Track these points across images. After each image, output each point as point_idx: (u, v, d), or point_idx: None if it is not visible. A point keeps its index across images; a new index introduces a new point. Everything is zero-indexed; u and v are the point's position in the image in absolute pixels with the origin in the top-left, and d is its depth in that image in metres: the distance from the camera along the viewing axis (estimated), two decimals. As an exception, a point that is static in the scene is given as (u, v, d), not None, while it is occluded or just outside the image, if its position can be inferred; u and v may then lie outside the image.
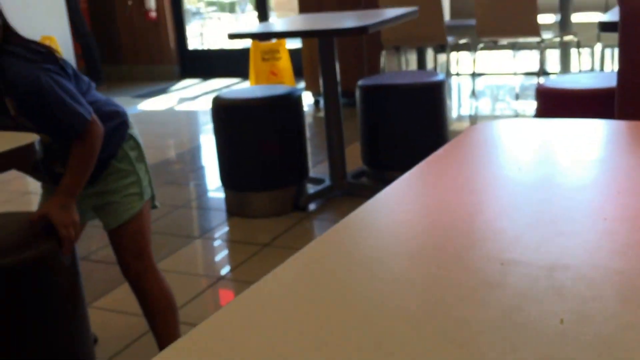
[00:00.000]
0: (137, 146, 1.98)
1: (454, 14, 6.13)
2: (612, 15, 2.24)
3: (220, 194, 3.73)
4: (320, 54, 3.42)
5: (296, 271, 0.75)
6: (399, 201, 0.95)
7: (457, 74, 6.20)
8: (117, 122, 1.93)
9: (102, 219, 1.99)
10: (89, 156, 1.77)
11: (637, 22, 2.07)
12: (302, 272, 0.75)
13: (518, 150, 1.12)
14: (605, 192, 0.91)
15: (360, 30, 3.11)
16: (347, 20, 3.55)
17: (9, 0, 6.27)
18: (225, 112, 3.41)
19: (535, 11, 4.62)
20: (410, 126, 3.56)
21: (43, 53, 1.72)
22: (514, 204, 0.88)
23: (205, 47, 9.45)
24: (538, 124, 1.25)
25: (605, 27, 2.32)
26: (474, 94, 5.45)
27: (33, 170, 1.93)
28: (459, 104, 5.65)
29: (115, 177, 1.93)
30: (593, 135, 1.17)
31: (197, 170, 4.55)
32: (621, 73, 2.23)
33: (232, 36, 3.33)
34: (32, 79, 1.66)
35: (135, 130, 2.01)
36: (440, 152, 1.12)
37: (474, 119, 5.11)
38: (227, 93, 3.57)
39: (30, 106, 1.68)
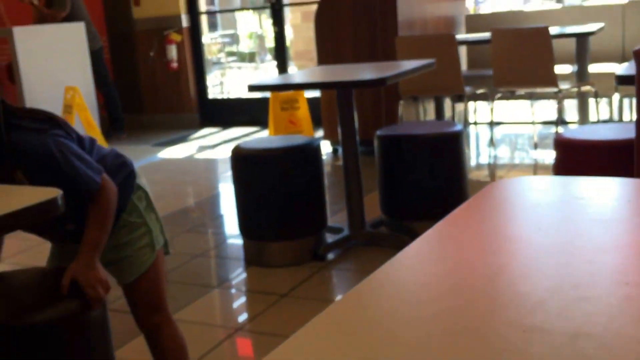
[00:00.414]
0: (145, 196, 2.00)
1: (470, 64, 6.19)
2: (629, 69, 2.25)
3: (239, 243, 3.74)
4: (338, 105, 3.46)
5: (318, 334, 0.75)
6: (419, 261, 0.95)
7: (475, 123, 6.22)
8: (125, 174, 1.96)
9: (115, 274, 1.98)
10: (105, 213, 1.79)
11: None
12: (324, 335, 0.75)
13: (538, 209, 1.12)
14: (626, 255, 0.91)
15: (379, 82, 3.15)
16: (365, 72, 3.60)
17: (36, 53, 6.43)
18: (244, 162, 3.44)
19: (552, 62, 4.65)
20: (429, 176, 3.57)
21: (48, 120, 1.77)
22: (535, 267, 0.88)
23: (225, 96, 9.59)
24: (558, 182, 1.26)
25: (622, 80, 2.33)
26: (492, 142, 5.46)
27: (38, 229, 1.94)
28: (478, 153, 5.66)
29: (126, 230, 1.94)
30: (613, 194, 1.17)
31: (215, 218, 4.57)
32: (639, 124, 2.24)
33: (252, 88, 3.38)
34: (44, 148, 1.70)
35: (143, 179, 2.03)
36: (459, 210, 1.13)
37: (492, 168, 5.11)
38: (246, 143, 3.60)
39: (44, 174, 1.71)
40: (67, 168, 1.72)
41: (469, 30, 6.18)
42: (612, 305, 0.75)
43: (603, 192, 1.17)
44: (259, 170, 3.40)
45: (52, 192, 1.52)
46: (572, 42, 5.05)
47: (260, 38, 14.73)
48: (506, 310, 0.76)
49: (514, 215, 1.12)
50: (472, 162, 5.34)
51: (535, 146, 5.42)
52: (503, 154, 5.50)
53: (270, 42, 10.30)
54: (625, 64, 2.45)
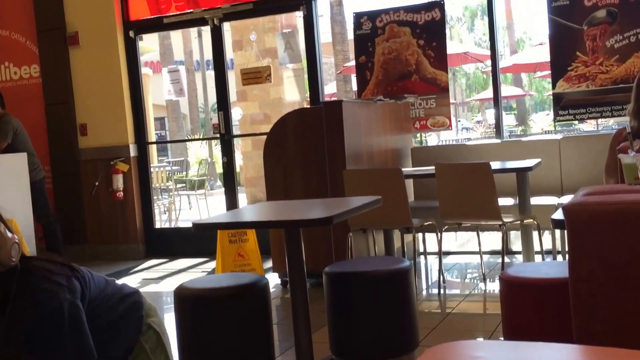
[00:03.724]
0: (156, 337, 1.98)
1: (417, 195, 6.29)
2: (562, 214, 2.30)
3: (182, 387, 3.55)
4: (286, 243, 3.41)
5: None
6: None
7: (425, 253, 6.25)
8: (135, 315, 2.06)
9: None
10: None
11: (582, 243, 2.12)
12: None
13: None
14: None
15: (325, 222, 3.13)
16: (312, 209, 3.60)
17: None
18: (187, 302, 3.34)
19: (494, 196, 4.75)
20: (377, 314, 3.50)
21: (67, 276, 1.83)
22: None
23: (172, 225, 9.47)
24: (497, 347, 1.22)
25: (556, 224, 2.39)
26: (441, 273, 5.46)
27: None
28: (427, 283, 5.65)
29: None
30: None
31: (158, 358, 4.36)
32: (571, 265, 2.26)
33: (198, 227, 3.33)
34: (55, 306, 1.70)
35: (155, 317, 2.00)
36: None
37: (443, 300, 5.09)
38: (190, 282, 3.51)
39: (45, 332, 1.68)
40: (73, 336, 1.74)
41: (415, 162, 6.32)
42: None
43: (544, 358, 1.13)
44: (202, 312, 3.30)
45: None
46: (513, 175, 5.19)
47: (211, 164, 14.85)
48: None
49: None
50: (423, 292, 5.32)
51: (484, 277, 5.45)
52: (453, 285, 5.50)
53: (220, 168, 10.37)
54: (560, 209, 2.51)
